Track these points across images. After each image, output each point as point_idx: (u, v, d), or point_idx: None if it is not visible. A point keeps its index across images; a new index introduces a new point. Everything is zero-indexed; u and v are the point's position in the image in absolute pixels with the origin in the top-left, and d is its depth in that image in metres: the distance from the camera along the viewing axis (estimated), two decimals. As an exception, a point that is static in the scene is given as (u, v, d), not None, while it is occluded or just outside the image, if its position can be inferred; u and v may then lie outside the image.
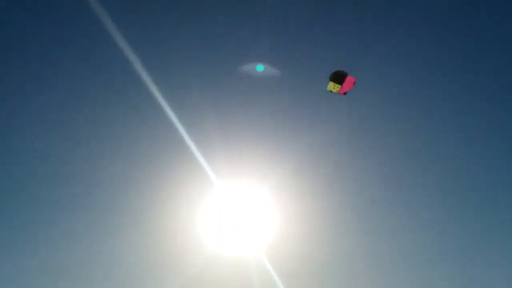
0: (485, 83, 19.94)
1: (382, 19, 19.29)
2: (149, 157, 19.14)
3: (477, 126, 19.97)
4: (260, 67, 17.95)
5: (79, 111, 19.08)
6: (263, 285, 17.81)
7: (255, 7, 18.24)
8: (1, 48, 18.41)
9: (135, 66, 15.90)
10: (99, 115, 19.14)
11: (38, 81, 18.73)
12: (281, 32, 18.84)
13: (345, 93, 11.59)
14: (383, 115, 19.76)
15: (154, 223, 19.18)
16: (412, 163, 20.10)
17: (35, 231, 18.77)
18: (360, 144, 19.35)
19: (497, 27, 19.42)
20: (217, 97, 18.39)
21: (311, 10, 19.08)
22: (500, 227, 19.37)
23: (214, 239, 18.97)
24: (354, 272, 18.98)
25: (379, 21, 19.41)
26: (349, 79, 11.33)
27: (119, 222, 19.13)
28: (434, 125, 20.44)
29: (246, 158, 18.59)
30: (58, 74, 18.61)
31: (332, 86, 11.49)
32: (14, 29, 18.44)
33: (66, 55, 18.77)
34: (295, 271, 18.51)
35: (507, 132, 19.77)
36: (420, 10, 19.12)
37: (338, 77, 11.30)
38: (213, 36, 18.92)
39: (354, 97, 12.48)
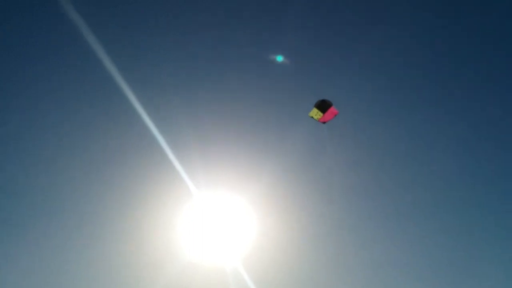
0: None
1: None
2: (129, 166, 19.36)
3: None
4: (279, 58, 18.28)
5: (57, 121, 19.26)
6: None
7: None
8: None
9: (112, 74, 16.08)
10: (80, 124, 19.32)
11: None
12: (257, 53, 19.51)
13: (324, 122, 12.26)
14: (358, 129, 20.48)
15: (133, 232, 19.34)
16: (387, 173, 20.85)
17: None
18: (338, 157, 19.81)
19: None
20: (197, 110, 18.84)
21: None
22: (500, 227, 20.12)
23: (192, 248, 19.22)
24: (330, 281, 19.43)
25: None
26: (331, 110, 11.90)
27: (99, 230, 19.28)
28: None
29: (225, 169, 19.03)
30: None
31: (314, 113, 12.08)
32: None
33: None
34: (271, 280, 18.87)
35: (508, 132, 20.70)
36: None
37: (323, 106, 11.87)
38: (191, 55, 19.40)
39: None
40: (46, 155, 19.53)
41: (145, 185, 19.21)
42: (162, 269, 18.73)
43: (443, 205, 20.64)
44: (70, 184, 19.91)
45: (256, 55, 19.32)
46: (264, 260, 19.17)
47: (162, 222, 19.15)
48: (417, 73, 20.91)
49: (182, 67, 19.14)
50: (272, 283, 18.85)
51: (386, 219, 20.32)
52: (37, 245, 18.33)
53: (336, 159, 19.33)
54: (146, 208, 19.18)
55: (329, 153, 19.53)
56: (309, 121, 16.84)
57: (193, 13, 19.32)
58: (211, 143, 19.21)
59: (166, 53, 18.93)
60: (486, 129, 21.15)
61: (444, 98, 21.10)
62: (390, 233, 20.69)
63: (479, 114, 21.02)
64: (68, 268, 18.63)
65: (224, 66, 19.18)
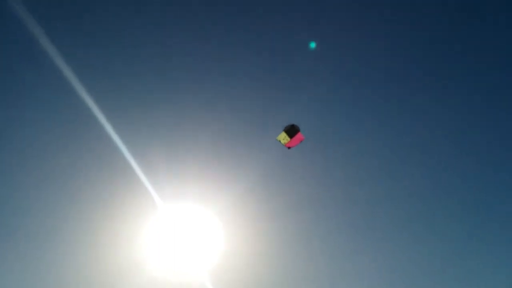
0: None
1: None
2: (90, 177, 18.69)
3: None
4: (312, 44, 17.96)
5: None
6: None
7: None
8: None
9: (76, 89, 15.61)
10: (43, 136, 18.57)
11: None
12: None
13: (289, 148, 12.32)
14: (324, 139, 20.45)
15: (96, 245, 18.63)
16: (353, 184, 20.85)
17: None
18: (307, 166, 19.75)
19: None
20: (162, 119, 18.42)
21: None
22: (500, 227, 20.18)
23: (158, 262, 18.61)
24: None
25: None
26: (298, 136, 12.06)
27: (61, 244, 18.55)
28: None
29: (191, 181, 18.57)
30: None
31: (282, 137, 12.19)
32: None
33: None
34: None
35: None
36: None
37: (291, 131, 12.04)
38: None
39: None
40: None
41: (108, 196, 18.66)
42: (126, 284, 18.10)
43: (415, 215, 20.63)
44: (31, 195, 19.06)
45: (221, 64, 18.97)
46: (232, 274, 18.80)
47: (126, 235, 18.55)
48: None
49: (146, 75, 18.59)
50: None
51: (357, 229, 20.22)
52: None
53: (304, 169, 19.35)
54: (109, 221, 18.57)
55: (298, 162, 19.59)
56: (278, 131, 16.96)
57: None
58: (177, 153, 18.72)
59: (129, 60, 18.42)
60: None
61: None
62: (362, 243, 20.56)
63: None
64: (32, 282, 17.88)
65: (190, 74, 18.77)
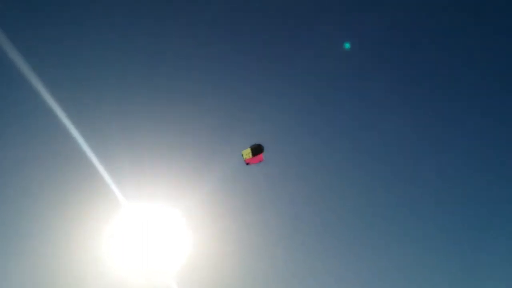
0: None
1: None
2: (52, 175, 18.15)
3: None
4: (347, 45, 18.00)
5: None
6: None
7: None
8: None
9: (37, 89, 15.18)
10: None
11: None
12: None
13: (247, 164, 12.85)
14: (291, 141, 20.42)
15: (57, 246, 18.10)
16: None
17: None
18: (276, 165, 19.62)
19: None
20: (127, 116, 18.07)
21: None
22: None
23: (121, 263, 18.17)
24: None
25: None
26: (260, 156, 12.72)
27: (21, 243, 17.94)
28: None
29: (156, 179, 18.23)
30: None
31: (246, 153, 12.75)
32: None
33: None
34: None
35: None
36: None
37: (256, 150, 12.67)
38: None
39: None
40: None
41: (69, 195, 18.11)
42: (90, 286, 17.63)
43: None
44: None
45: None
46: (199, 276, 18.52)
47: (88, 236, 18.02)
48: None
49: (111, 73, 18.27)
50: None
51: (327, 227, 20.15)
52: None
53: (274, 168, 19.21)
54: (71, 220, 18.03)
55: (267, 161, 19.45)
56: (245, 129, 17.02)
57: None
58: (142, 151, 18.36)
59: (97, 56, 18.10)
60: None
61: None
62: (333, 243, 20.54)
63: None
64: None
65: (157, 72, 18.51)
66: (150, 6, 18.91)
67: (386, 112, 21.08)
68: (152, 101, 18.38)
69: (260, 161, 12.91)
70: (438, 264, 20.11)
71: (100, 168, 16.97)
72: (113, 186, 17.24)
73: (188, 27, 19.09)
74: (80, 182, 17.89)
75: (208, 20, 19.28)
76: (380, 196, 21.01)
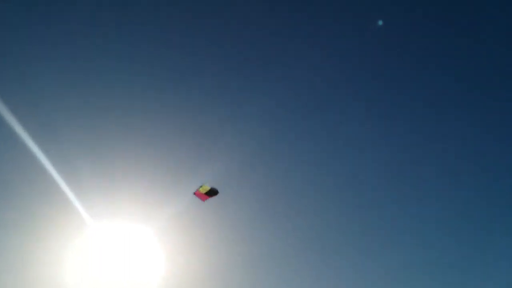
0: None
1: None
2: (9, 193, 16.69)
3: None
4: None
5: None
6: None
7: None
8: None
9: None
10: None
11: None
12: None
13: (194, 193, 13.17)
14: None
15: (19, 269, 16.64)
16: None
17: None
18: (252, 181, 18.60)
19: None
20: (91, 128, 16.80)
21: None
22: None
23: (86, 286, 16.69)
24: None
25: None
26: (207, 196, 13.25)
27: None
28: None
29: (125, 197, 16.85)
30: None
31: (202, 189, 13.14)
32: None
33: None
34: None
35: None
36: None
37: (211, 192, 13.20)
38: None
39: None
40: None
41: (31, 214, 16.66)
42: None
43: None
44: None
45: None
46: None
47: (51, 258, 16.59)
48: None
49: (75, 82, 17.04)
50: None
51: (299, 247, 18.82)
52: None
53: (251, 183, 18.17)
54: (33, 242, 16.57)
55: (241, 177, 18.35)
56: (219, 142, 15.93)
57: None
58: (108, 166, 17.06)
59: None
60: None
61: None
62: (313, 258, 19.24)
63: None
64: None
65: (125, 84, 17.30)
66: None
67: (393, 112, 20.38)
68: (123, 108, 17.12)
69: (205, 199, 13.38)
70: (444, 264, 19.54)
71: (62, 183, 15.58)
72: (77, 203, 15.84)
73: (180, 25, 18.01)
74: (40, 199, 16.43)
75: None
76: (381, 196, 20.54)
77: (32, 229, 16.62)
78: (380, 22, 18.47)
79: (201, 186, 13.07)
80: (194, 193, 13.12)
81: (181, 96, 18.03)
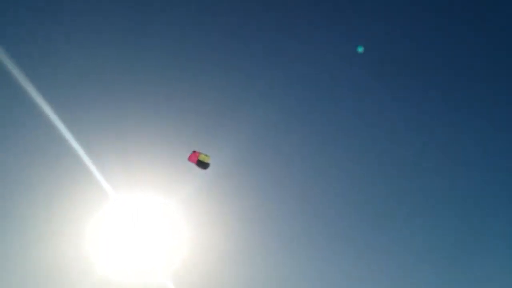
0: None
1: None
2: (34, 166, 16.41)
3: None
4: (360, 48, 17.11)
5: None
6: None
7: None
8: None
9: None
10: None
11: None
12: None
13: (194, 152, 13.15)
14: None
15: (40, 242, 16.48)
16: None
17: None
18: (274, 161, 18.09)
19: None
20: (112, 103, 16.33)
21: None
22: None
23: (109, 261, 16.50)
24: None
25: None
26: (196, 164, 13.19)
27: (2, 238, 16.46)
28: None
29: (148, 167, 16.42)
30: None
31: (203, 157, 13.16)
32: None
33: None
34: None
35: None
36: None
37: (203, 164, 13.22)
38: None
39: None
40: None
41: (52, 187, 16.42)
42: (71, 285, 16.02)
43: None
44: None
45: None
46: (196, 275, 16.82)
47: (73, 231, 16.36)
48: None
49: (96, 61, 16.47)
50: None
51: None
52: None
53: (277, 157, 17.66)
54: (54, 214, 16.34)
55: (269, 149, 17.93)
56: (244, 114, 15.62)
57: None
58: (131, 136, 16.55)
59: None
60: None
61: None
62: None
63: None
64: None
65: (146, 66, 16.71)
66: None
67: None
68: (143, 89, 16.60)
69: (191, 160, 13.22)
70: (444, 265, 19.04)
71: (85, 156, 15.18)
72: (100, 176, 15.45)
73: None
74: (64, 173, 16.18)
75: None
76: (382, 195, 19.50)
77: (54, 202, 16.36)
78: (360, 49, 17.33)
79: (206, 155, 13.07)
80: (193, 152, 13.10)
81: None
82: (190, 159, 13.06)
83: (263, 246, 17.56)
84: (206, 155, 13.00)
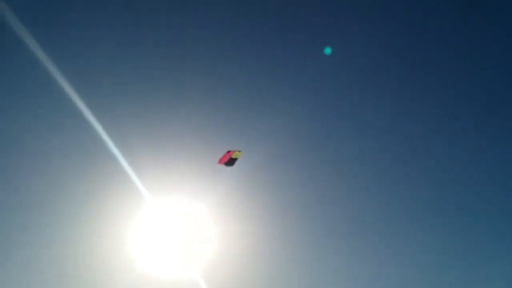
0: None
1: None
2: (78, 172, 17.77)
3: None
4: (328, 50, 17.68)
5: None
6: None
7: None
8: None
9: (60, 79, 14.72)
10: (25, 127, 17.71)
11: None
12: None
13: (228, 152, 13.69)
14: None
15: (83, 241, 17.81)
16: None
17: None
18: (301, 165, 18.81)
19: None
20: (150, 112, 17.42)
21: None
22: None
23: (146, 258, 17.71)
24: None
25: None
26: (228, 161, 13.67)
27: (46, 238, 17.80)
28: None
29: (181, 173, 17.52)
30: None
31: (236, 154, 13.74)
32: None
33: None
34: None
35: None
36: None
37: (232, 161, 13.75)
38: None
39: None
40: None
41: (94, 191, 17.72)
42: (113, 281, 17.30)
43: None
44: (17, 189, 18.28)
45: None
46: (226, 271, 17.92)
47: (113, 231, 17.59)
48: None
49: (134, 72, 17.55)
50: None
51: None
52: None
53: (300, 166, 18.33)
54: (95, 216, 17.65)
55: (294, 158, 18.55)
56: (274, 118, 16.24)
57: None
58: (166, 145, 17.66)
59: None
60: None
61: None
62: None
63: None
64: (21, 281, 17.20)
65: (175, 70, 17.66)
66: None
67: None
68: (175, 96, 17.59)
69: (226, 160, 13.73)
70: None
71: (124, 162, 16.43)
72: (137, 181, 16.67)
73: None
74: (104, 177, 17.42)
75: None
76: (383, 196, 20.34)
77: (96, 205, 17.64)
78: (328, 50, 17.46)
79: (238, 151, 13.56)
80: (227, 152, 13.58)
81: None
82: (221, 160, 13.74)
83: (290, 246, 18.34)
84: (238, 151, 13.67)
